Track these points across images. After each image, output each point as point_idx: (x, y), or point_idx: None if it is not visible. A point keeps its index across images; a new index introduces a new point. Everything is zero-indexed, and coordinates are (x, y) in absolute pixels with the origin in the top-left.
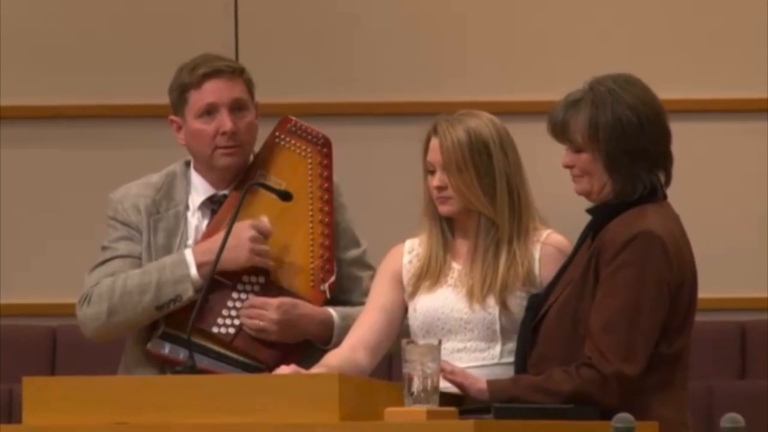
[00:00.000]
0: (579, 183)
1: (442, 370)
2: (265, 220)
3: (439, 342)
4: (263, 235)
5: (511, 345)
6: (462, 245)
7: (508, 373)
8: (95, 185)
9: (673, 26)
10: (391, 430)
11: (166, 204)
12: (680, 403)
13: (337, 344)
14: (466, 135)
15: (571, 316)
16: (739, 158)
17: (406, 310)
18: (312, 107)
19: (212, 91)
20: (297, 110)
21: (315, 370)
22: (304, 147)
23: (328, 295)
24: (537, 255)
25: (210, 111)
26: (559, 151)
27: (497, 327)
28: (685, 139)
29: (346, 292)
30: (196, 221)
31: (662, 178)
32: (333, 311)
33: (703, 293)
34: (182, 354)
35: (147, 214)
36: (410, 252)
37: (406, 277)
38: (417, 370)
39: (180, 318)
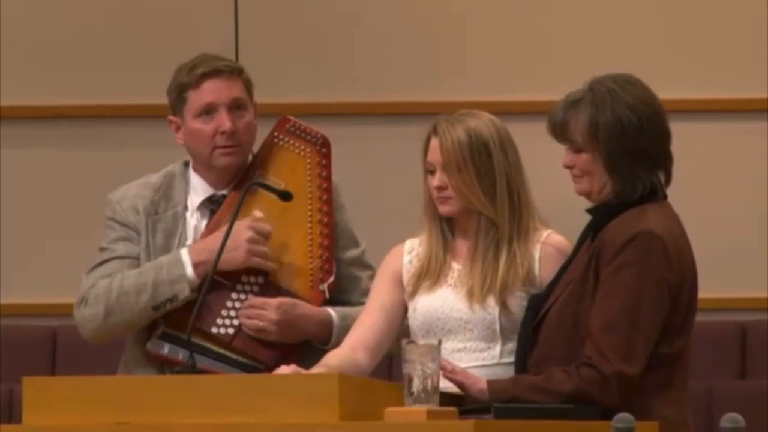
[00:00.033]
0: (579, 183)
1: (442, 369)
2: (262, 218)
3: (439, 342)
4: (262, 236)
5: (511, 345)
6: (462, 245)
7: (508, 373)
8: (95, 185)
9: (673, 26)
10: (391, 430)
11: (164, 204)
12: (681, 403)
13: (337, 344)
14: (466, 135)
15: (571, 316)
16: (739, 158)
17: (406, 310)
18: (312, 107)
19: (211, 90)
20: (297, 110)
21: (315, 370)
22: (302, 147)
23: (327, 295)
24: (537, 255)
25: (209, 111)
26: (559, 151)
27: (497, 327)
28: (685, 139)
29: (345, 292)
30: (194, 221)
31: (662, 178)
32: (332, 311)
33: (703, 293)
34: (181, 354)
35: (145, 214)
36: (410, 252)
37: (406, 277)
38: (417, 370)
39: (179, 318)
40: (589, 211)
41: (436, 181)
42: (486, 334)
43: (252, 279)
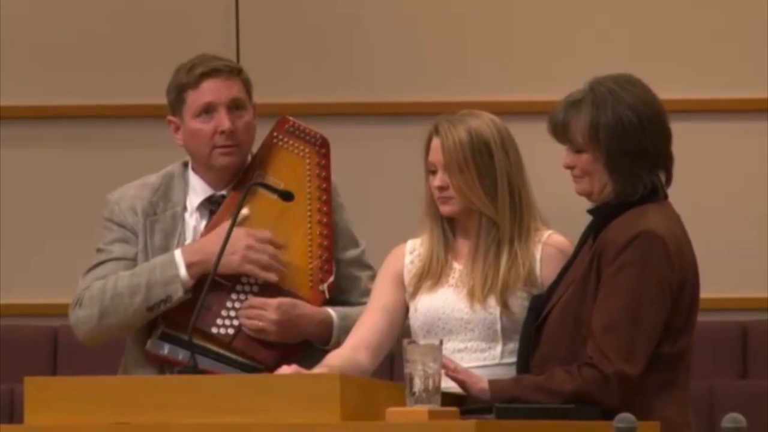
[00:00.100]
0: (580, 183)
1: (444, 367)
2: (246, 215)
3: (440, 342)
4: (264, 243)
5: (512, 345)
6: (463, 245)
7: (509, 373)
8: (95, 185)
9: (673, 26)
10: (392, 430)
11: (163, 205)
12: (683, 403)
13: (337, 344)
14: (468, 135)
15: (573, 316)
16: (739, 158)
17: (407, 310)
18: (312, 107)
19: (210, 90)
20: (297, 110)
21: (316, 370)
22: (302, 147)
23: (326, 296)
24: (538, 255)
25: (208, 110)
26: (559, 151)
27: (498, 327)
28: (685, 139)
29: (344, 292)
30: (194, 222)
31: (663, 178)
32: (332, 311)
33: (704, 293)
34: (181, 354)
35: (144, 215)
36: (412, 252)
37: (408, 277)
38: (418, 370)
39: (179, 318)
40: (590, 211)
41: (437, 181)
42: (487, 335)
43: (252, 279)
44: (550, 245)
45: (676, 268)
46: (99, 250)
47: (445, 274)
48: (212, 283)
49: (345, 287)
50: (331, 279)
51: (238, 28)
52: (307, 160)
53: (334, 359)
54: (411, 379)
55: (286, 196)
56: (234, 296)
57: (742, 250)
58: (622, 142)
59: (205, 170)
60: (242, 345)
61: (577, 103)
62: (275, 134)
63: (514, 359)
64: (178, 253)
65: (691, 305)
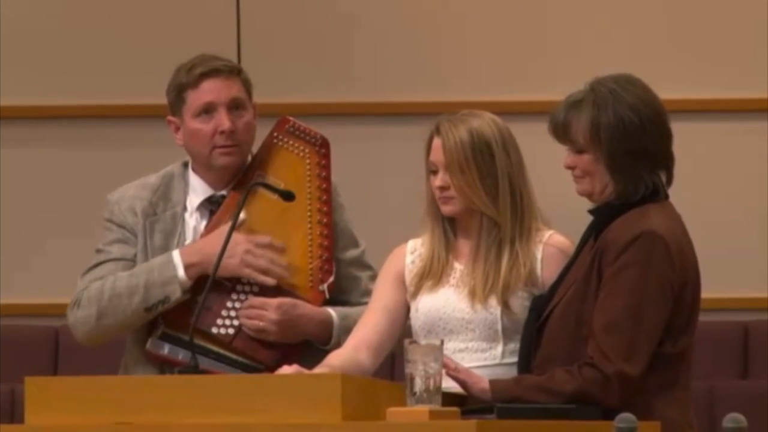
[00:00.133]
0: (581, 184)
1: (445, 367)
2: (244, 220)
3: (441, 342)
4: (263, 248)
5: (513, 345)
6: (464, 245)
7: (510, 373)
8: (95, 185)
9: (673, 26)
10: (393, 430)
11: (163, 205)
12: (684, 403)
13: (337, 344)
14: (469, 135)
15: (574, 317)
16: (739, 158)
17: (408, 310)
18: (312, 107)
19: (210, 90)
20: (297, 110)
21: (318, 370)
22: (302, 147)
23: (327, 296)
24: (539, 255)
25: (208, 110)
26: (560, 152)
27: (499, 327)
28: (685, 139)
29: (344, 292)
30: (194, 222)
31: (664, 178)
32: (332, 311)
33: (704, 293)
34: (181, 354)
35: (143, 216)
36: (413, 252)
37: (409, 277)
38: (419, 370)
39: (179, 318)
40: (591, 211)
41: (438, 181)
42: (488, 335)
43: (252, 280)
44: (551, 245)
45: (677, 268)
46: (98, 251)
47: (446, 274)
48: (213, 284)
49: (345, 287)
50: (331, 279)
51: (238, 28)
52: (308, 160)
53: (335, 359)
54: (412, 379)
55: (288, 196)
56: (234, 296)
57: (743, 250)
58: (623, 143)
59: (205, 170)
60: (242, 345)
61: (578, 104)
62: (275, 134)
63: (514, 359)
64: (176, 254)
65: (693, 305)
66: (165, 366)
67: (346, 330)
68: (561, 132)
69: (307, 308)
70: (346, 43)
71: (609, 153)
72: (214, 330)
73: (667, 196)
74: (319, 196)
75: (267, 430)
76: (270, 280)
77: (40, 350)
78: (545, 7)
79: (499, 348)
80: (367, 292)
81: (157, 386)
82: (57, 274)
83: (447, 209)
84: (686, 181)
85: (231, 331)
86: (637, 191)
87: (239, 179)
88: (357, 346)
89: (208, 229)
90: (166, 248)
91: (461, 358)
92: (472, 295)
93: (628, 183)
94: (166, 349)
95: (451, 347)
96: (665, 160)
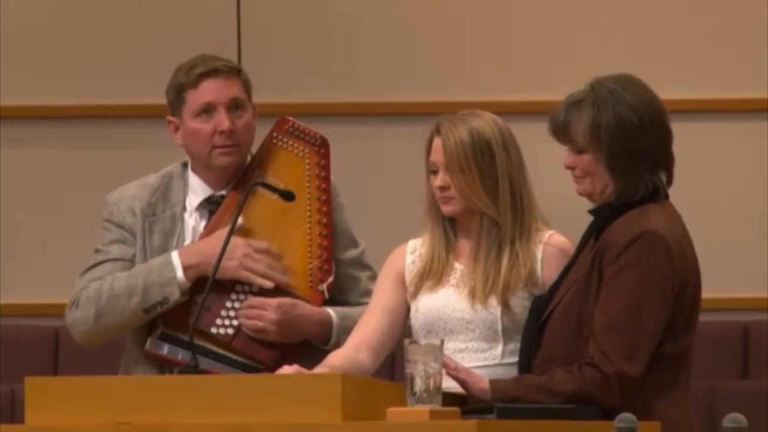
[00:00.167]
0: (581, 184)
1: (445, 366)
2: (241, 224)
3: (442, 342)
4: (261, 253)
5: (513, 345)
6: (464, 245)
7: (510, 373)
8: (95, 185)
9: (673, 26)
10: (393, 430)
11: (162, 205)
12: (684, 403)
13: (336, 344)
14: (469, 135)
15: (575, 316)
16: (739, 158)
17: (408, 310)
18: (312, 107)
19: (209, 90)
20: (297, 110)
21: (318, 370)
22: (301, 148)
23: (326, 296)
24: (539, 255)
25: (207, 110)
26: (560, 152)
27: (499, 327)
28: (685, 139)
29: (344, 292)
30: (193, 222)
31: (664, 178)
32: (332, 311)
33: (704, 293)
34: (181, 354)
35: (142, 216)
36: (413, 252)
37: (409, 277)
38: (419, 370)
39: (178, 318)
40: (591, 211)
41: (438, 181)
42: (488, 335)
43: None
44: (551, 245)
45: (677, 268)
46: (97, 251)
47: (447, 274)
48: (212, 284)
49: (344, 287)
50: (331, 279)
51: (239, 28)
52: (307, 161)
53: (336, 359)
54: (412, 379)
55: (288, 196)
56: (233, 296)
57: (743, 250)
58: (624, 143)
59: (204, 170)
60: (242, 345)
61: (578, 104)
62: (275, 134)
63: (514, 359)
64: (175, 255)
65: (693, 305)
66: (164, 366)
67: (346, 330)
68: (561, 132)
69: (306, 308)
70: (346, 43)
71: (609, 153)
72: (214, 330)
73: (667, 196)
74: (318, 196)
75: (267, 430)
76: (268, 284)
77: (40, 350)
78: (545, 7)
79: (499, 348)
80: (367, 292)
81: (157, 386)
82: (57, 274)
83: (447, 209)
84: (686, 181)
85: (230, 331)
86: (637, 191)
87: (239, 179)
88: (357, 346)
89: (208, 230)
90: (165, 248)
91: (461, 358)
92: (473, 295)
93: (628, 183)
94: (165, 349)
95: (451, 347)
96: (665, 160)
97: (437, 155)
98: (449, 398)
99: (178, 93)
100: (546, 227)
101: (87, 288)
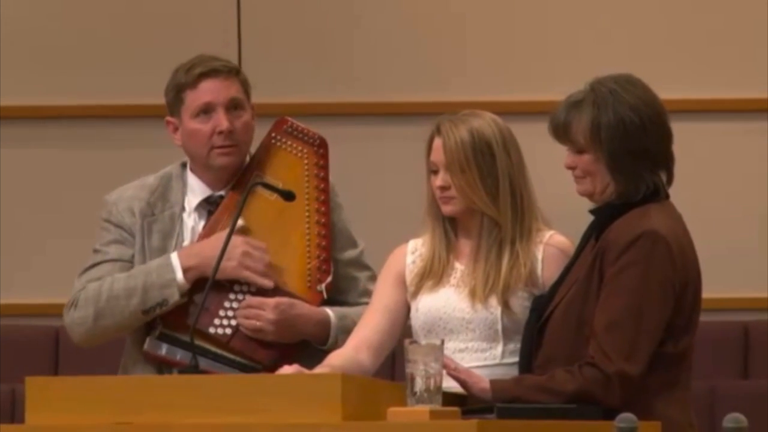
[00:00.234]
0: (581, 184)
1: (445, 367)
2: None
3: (442, 342)
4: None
5: (513, 345)
6: (465, 245)
7: (510, 373)
8: (95, 185)
9: (673, 26)
10: (394, 430)
11: (161, 205)
12: (684, 403)
13: (335, 344)
14: (469, 135)
15: (576, 316)
16: (739, 158)
17: (409, 310)
18: (312, 107)
19: (208, 90)
20: (297, 110)
21: (318, 370)
22: (300, 148)
23: (324, 296)
24: (540, 256)
25: (206, 110)
26: (560, 151)
27: (499, 327)
28: (685, 139)
29: (343, 292)
30: (192, 222)
31: (664, 177)
32: (330, 311)
33: (705, 293)
34: (179, 354)
35: (141, 216)
36: (413, 252)
37: (409, 277)
38: (420, 369)
39: (176, 319)
40: (592, 211)
41: (439, 181)
42: (488, 335)
43: (250, 282)
44: (551, 246)
45: (678, 267)
46: (95, 251)
47: (447, 274)
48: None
49: (343, 287)
50: (329, 279)
51: (239, 28)
52: (306, 161)
53: (336, 359)
54: (412, 379)
55: (288, 195)
56: (232, 296)
57: (743, 250)
58: (624, 143)
59: (203, 170)
60: (240, 345)
61: (578, 104)
62: (273, 135)
63: (514, 359)
64: (174, 257)
65: (694, 305)
66: (163, 366)
67: (344, 330)
68: (561, 132)
69: (304, 308)
70: (346, 43)
71: (609, 153)
72: (212, 330)
73: (667, 196)
74: (317, 196)
75: (267, 430)
76: (268, 283)
77: (40, 350)
78: (545, 7)
79: (499, 348)
80: (366, 293)
81: (157, 386)
82: (57, 274)
83: (448, 209)
84: (686, 181)
85: (228, 331)
86: (637, 191)
87: (237, 179)
88: (357, 346)
89: (207, 230)
90: (163, 249)
91: (461, 358)
92: (473, 295)
93: (628, 183)
94: (163, 350)
95: (451, 347)
96: (666, 160)
97: (438, 155)
98: (449, 398)
99: (176, 93)
100: (546, 227)
101: (86, 288)
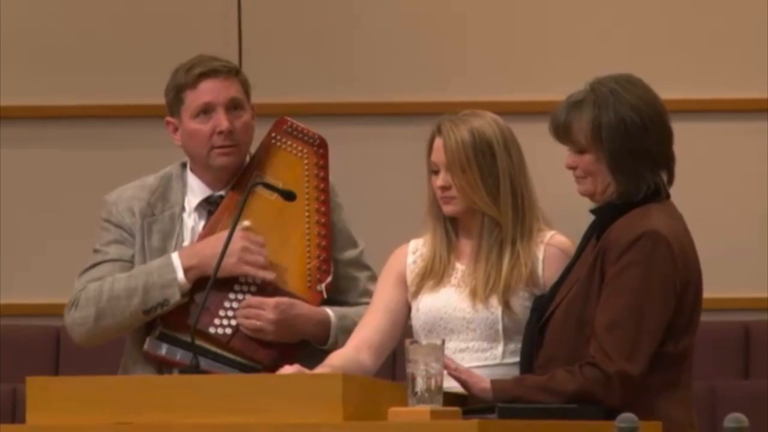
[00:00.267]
0: (582, 184)
1: (446, 367)
2: (249, 227)
3: (443, 342)
4: (257, 246)
5: (513, 345)
6: (466, 245)
7: (511, 373)
8: (95, 185)
9: (673, 26)
10: (394, 430)
11: (161, 206)
12: (685, 403)
13: (335, 344)
14: (470, 135)
15: (576, 316)
16: (739, 158)
17: (409, 310)
18: (312, 107)
19: (208, 90)
20: (297, 110)
21: (319, 370)
22: (300, 148)
23: (324, 296)
24: (540, 256)
25: (206, 110)
26: (560, 151)
27: (500, 327)
28: (686, 139)
29: (343, 292)
30: (192, 222)
31: (665, 177)
32: (330, 311)
33: (705, 293)
34: (179, 354)
35: (141, 216)
36: (414, 252)
37: (410, 277)
38: (420, 369)
39: (176, 318)
40: (593, 211)
41: (440, 181)
42: (488, 334)
43: (249, 279)
44: (552, 246)
45: (679, 267)
46: (95, 251)
47: (448, 274)
48: (212, 286)
49: (343, 287)
50: (329, 279)
51: (239, 28)
52: (306, 161)
53: (337, 359)
54: (413, 379)
55: (288, 195)
56: (232, 296)
57: (743, 250)
58: (625, 142)
59: (203, 171)
60: (240, 345)
61: (579, 104)
62: (273, 135)
63: (515, 359)
64: (175, 257)
65: (695, 305)
66: (163, 366)
67: (344, 330)
68: (562, 132)
69: (304, 308)
70: (346, 43)
71: (610, 153)
72: (212, 330)
73: (668, 196)
74: (317, 196)
75: (267, 430)
76: (270, 275)
77: (41, 350)
78: (545, 7)
79: (500, 348)
80: (366, 293)
81: (157, 386)
82: (57, 274)
83: (448, 209)
84: (686, 181)
85: (228, 331)
86: (638, 191)
87: (237, 179)
88: (358, 346)
89: (207, 230)
90: (163, 249)
91: (462, 357)
92: (473, 294)
93: (629, 183)
94: (163, 350)
95: (451, 347)
96: (666, 160)
97: (438, 155)
98: (450, 398)
99: (176, 93)
100: (547, 227)
101: (86, 289)
